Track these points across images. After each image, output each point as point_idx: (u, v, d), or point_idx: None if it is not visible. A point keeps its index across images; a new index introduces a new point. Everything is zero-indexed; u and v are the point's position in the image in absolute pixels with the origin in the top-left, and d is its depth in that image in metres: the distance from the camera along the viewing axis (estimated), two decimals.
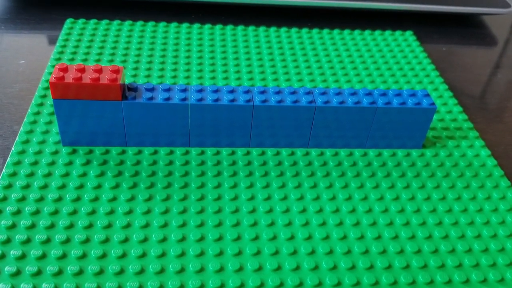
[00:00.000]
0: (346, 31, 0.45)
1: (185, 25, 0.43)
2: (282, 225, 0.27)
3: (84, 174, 0.28)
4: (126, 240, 0.25)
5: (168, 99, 0.29)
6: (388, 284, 0.25)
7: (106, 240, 0.25)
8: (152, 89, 0.29)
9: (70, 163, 0.29)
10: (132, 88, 0.29)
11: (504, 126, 0.37)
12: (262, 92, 0.30)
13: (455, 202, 0.29)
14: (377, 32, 0.45)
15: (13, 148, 0.30)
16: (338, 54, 0.41)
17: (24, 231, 0.25)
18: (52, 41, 0.41)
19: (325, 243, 0.26)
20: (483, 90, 0.41)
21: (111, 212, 0.27)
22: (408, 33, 0.45)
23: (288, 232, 0.26)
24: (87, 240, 0.25)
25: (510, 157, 0.34)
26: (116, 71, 0.28)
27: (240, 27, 0.44)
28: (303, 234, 0.26)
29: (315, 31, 0.44)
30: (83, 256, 0.24)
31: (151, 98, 0.28)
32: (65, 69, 0.28)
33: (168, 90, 0.29)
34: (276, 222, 0.27)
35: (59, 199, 0.27)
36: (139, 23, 0.43)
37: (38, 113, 0.32)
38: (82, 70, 0.28)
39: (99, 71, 0.28)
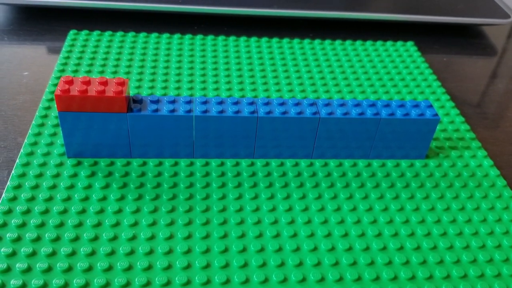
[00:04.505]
0: (348, 42, 0.45)
1: (188, 36, 0.43)
2: (288, 237, 0.27)
3: (89, 186, 0.28)
4: (132, 252, 0.25)
5: (173, 111, 0.29)
6: None
7: (112, 253, 0.25)
8: (157, 101, 0.29)
9: (75, 175, 0.29)
10: (137, 100, 0.29)
11: (506, 136, 0.37)
12: (266, 104, 0.30)
13: (459, 212, 0.30)
14: (379, 43, 0.45)
15: (17, 160, 0.30)
16: (340, 64, 0.42)
17: (29, 244, 0.25)
18: (55, 52, 0.41)
19: (331, 254, 0.26)
20: (484, 99, 0.41)
21: (117, 224, 0.27)
22: (409, 43, 0.46)
23: (293, 244, 0.26)
24: (93, 253, 0.25)
25: None
26: (122, 83, 0.28)
27: (242, 38, 0.44)
28: (308, 245, 0.26)
29: (317, 41, 0.45)
30: (89, 269, 0.24)
31: (156, 110, 0.29)
32: (70, 82, 0.28)
33: (173, 102, 0.29)
34: (282, 234, 0.27)
35: (65, 211, 0.27)
36: (142, 34, 0.43)
37: (42, 124, 0.32)
38: (87, 82, 0.28)
39: (105, 83, 0.28)
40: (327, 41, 0.45)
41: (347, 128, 0.30)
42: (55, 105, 0.34)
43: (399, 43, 0.46)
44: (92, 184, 0.29)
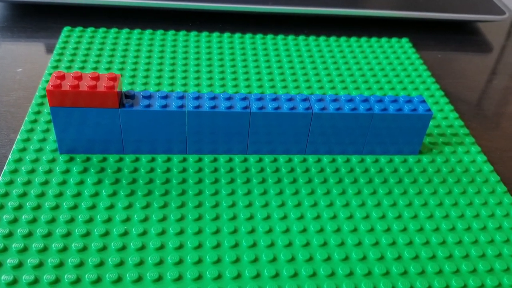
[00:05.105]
0: (343, 38, 0.45)
1: (182, 33, 0.43)
2: (280, 232, 0.27)
3: (81, 182, 0.28)
4: (123, 248, 0.25)
5: (165, 106, 0.29)
6: None
7: (104, 248, 0.25)
8: (149, 97, 0.29)
9: (67, 171, 0.29)
10: (130, 96, 0.29)
11: (500, 132, 0.37)
12: (259, 99, 0.30)
13: (452, 208, 0.30)
14: (373, 39, 0.45)
15: (10, 156, 0.29)
16: (335, 61, 0.42)
17: (21, 239, 0.25)
18: (49, 49, 0.41)
19: (323, 249, 0.26)
20: (479, 96, 0.41)
21: (109, 220, 0.27)
22: (404, 40, 0.46)
23: (285, 239, 0.26)
24: (84, 248, 0.25)
25: (506, 162, 0.34)
26: (113, 78, 0.28)
27: (237, 35, 0.44)
28: (300, 240, 0.26)
29: (311, 38, 0.45)
30: (81, 264, 0.24)
31: (149, 106, 0.29)
32: (62, 77, 0.28)
33: (165, 97, 0.29)
34: (274, 229, 0.27)
35: (56, 207, 0.27)
36: (137, 31, 0.43)
37: (35, 121, 0.32)
38: (79, 77, 0.28)
39: (96, 78, 0.28)
40: (322, 38, 0.45)
41: (340, 123, 0.30)
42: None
43: (394, 39, 0.46)
44: (84, 180, 0.29)
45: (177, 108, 0.29)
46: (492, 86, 0.43)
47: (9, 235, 0.25)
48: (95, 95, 0.27)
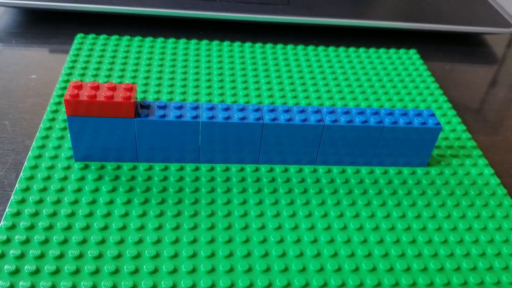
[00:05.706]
0: (351, 49, 0.46)
1: (193, 41, 0.44)
2: (291, 242, 0.27)
3: (96, 190, 0.29)
4: (138, 255, 0.26)
5: (180, 116, 0.29)
6: None
7: (119, 256, 0.26)
8: (164, 107, 0.30)
9: (82, 178, 0.30)
10: (145, 106, 0.30)
11: (507, 145, 0.38)
12: (272, 111, 0.31)
13: (460, 220, 0.30)
14: (382, 50, 0.46)
15: (26, 163, 0.30)
16: (344, 71, 0.42)
17: (38, 246, 0.26)
18: (63, 55, 0.41)
19: (333, 260, 0.27)
20: (486, 108, 0.42)
21: (123, 227, 0.27)
22: (412, 51, 0.46)
23: (297, 249, 0.27)
24: (100, 256, 0.26)
25: None
26: (130, 89, 0.28)
27: (247, 44, 0.44)
28: (311, 251, 0.27)
29: (321, 48, 0.45)
30: (96, 271, 0.25)
31: (164, 116, 0.29)
32: (79, 87, 0.28)
33: (180, 107, 0.30)
34: (285, 239, 0.28)
35: (72, 214, 0.27)
36: (149, 39, 0.44)
37: (50, 128, 0.33)
38: (96, 87, 0.28)
39: (113, 88, 0.28)
40: (331, 48, 0.45)
41: (351, 135, 0.31)
42: (63, 109, 0.35)
43: (402, 50, 0.46)
44: (99, 187, 0.29)
45: (192, 119, 0.29)
46: (499, 98, 0.43)
47: (26, 241, 0.26)
48: (112, 105, 0.28)
